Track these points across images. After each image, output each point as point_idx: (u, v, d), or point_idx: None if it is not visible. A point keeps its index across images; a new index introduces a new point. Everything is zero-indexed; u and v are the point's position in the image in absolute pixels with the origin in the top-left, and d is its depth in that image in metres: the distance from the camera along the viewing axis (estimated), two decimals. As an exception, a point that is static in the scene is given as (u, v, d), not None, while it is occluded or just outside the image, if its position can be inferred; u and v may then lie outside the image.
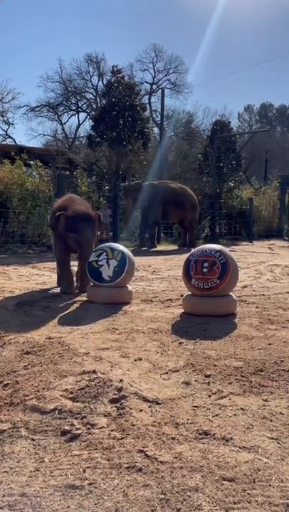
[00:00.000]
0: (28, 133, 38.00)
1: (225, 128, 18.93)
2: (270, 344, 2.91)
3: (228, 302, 3.67)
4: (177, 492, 1.43)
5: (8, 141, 26.19)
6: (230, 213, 16.07)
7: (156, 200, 10.62)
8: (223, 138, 18.29)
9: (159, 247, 11.00)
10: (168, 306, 4.06)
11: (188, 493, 1.42)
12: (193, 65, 48.73)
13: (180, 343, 2.93)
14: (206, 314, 3.51)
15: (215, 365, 2.51)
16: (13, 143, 24.73)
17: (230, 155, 18.41)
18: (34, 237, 10.56)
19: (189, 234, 11.44)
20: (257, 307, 3.92)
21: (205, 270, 3.56)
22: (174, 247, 11.46)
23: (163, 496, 1.41)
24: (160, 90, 24.69)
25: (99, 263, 4.15)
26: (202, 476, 1.51)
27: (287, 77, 62.56)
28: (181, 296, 4.60)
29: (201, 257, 3.64)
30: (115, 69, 17.30)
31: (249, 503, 1.38)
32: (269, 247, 12.17)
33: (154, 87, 30.57)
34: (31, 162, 11.48)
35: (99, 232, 13.99)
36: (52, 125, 33.96)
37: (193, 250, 3.93)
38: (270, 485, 1.47)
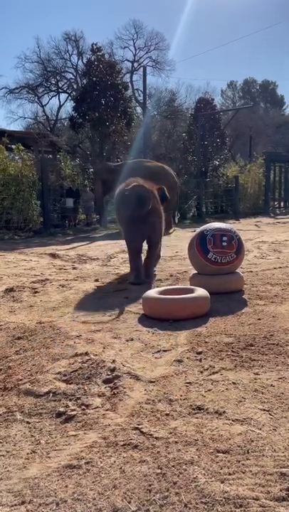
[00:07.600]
0: (8, 116, 37.14)
1: (208, 105, 18.68)
2: (259, 319, 2.95)
3: (238, 278, 3.75)
4: (173, 466, 1.45)
5: (-12, 125, 25.55)
6: (216, 192, 16.02)
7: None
8: (207, 115, 18.09)
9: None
10: (157, 287, 4.08)
11: (184, 467, 1.45)
12: (174, 42, 47.85)
13: (171, 322, 2.95)
14: (219, 292, 3.54)
15: (206, 342, 2.54)
16: (-7, 127, 24.11)
17: (214, 133, 18.25)
18: (20, 223, 10.42)
19: (169, 214, 11.28)
20: (245, 283, 3.95)
21: (224, 244, 3.61)
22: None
23: (159, 471, 1.44)
24: (142, 68, 24.18)
25: None
26: (197, 450, 1.54)
27: (270, 52, 61.90)
28: (170, 276, 4.62)
29: (218, 232, 3.67)
30: (95, 47, 16.79)
31: (244, 473, 1.41)
32: (255, 225, 12.22)
33: (136, 65, 29.92)
34: (13, 146, 11.22)
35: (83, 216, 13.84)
36: (32, 107, 33.14)
37: (201, 228, 3.89)
38: (263, 455, 1.50)
